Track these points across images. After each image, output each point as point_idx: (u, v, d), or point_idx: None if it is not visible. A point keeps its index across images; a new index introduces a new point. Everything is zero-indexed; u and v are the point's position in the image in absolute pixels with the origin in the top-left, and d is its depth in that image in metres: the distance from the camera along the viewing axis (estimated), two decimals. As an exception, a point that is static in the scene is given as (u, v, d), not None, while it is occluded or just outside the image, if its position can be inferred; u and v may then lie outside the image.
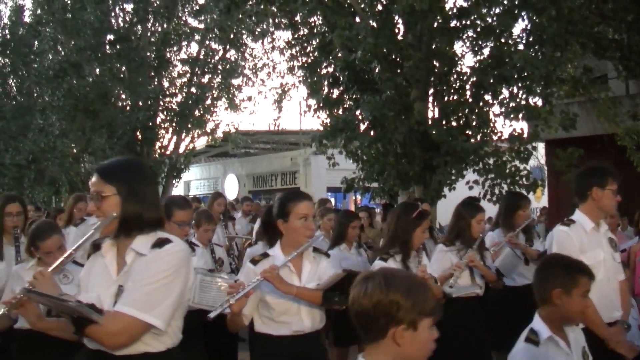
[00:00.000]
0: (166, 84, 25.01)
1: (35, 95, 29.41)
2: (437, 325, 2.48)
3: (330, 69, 12.98)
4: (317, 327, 4.47)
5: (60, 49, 25.15)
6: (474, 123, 11.33)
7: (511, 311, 6.71)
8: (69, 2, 23.78)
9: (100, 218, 3.12)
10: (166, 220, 5.46)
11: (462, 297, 6.03)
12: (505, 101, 11.07)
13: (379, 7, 11.58)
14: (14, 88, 33.64)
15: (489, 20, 11.05)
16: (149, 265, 3.01)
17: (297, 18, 13.00)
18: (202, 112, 25.06)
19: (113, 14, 24.39)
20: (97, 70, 23.71)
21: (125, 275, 3.05)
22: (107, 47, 23.66)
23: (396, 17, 11.45)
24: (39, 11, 27.27)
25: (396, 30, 11.47)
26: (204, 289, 4.94)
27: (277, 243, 4.57)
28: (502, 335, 6.67)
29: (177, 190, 26.92)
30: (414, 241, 5.41)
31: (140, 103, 23.30)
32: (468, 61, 18.58)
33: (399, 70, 11.32)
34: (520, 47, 11.21)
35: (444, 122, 11.35)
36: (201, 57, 25.03)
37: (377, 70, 11.31)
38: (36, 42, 28.65)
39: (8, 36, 32.81)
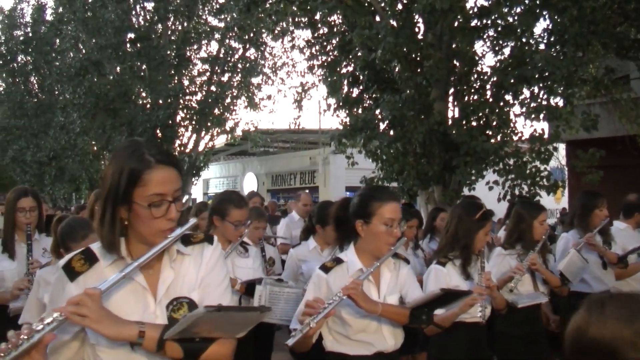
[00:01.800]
0: (186, 83, 25.16)
1: (57, 93, 29.72)
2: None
3: (350, 68, 12.97)
4: (398, 347, 3.92)
5: (82, 47, 25.38)
6: (494, 123, 11.26)
7: None
8: (90, 0, 23.96)
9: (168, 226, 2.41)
10: (219, 219, 5.10)
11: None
12: (526, 101, 11.00)
13: (399, 6, 11.55)
14: (36, 86, 34.02)
15: (510, 19, 10.98)
16: (216, 266, 2.58)
17: (317, 17, 12.98)
18: (221, 110, 25.18)
19: (134, 12, 24.57)
20: (118, 68, 23.91)
21: (175, 286, 2.47)
22: (128, 45, 23.84)
23: (416, 17, 11.40)
24: (60, 10, 27.51)
25: (416, 30, 11.43)
26: (272, 301, 4.54)
27: (350, 246, 3.93)
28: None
29: (196, 188, 27.04)
30: (476, 244, 4.82)
31: (161, 101, 23.44)
32: (489, 61, 18.54)
33: (419, 70, 11.28)
34: (542, 47, 11.14)
35: (464, 122, 11.29)
36: (221, 55, 25.15)
37: (397, 70, 11.29)
38: (57, 41, 28.96)
39: (30, 34, 33.16)
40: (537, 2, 10.65)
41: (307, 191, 11.50)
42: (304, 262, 5.98)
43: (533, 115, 10.79)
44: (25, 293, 4.84)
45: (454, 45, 11.29)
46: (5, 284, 5.24)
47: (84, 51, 24.88)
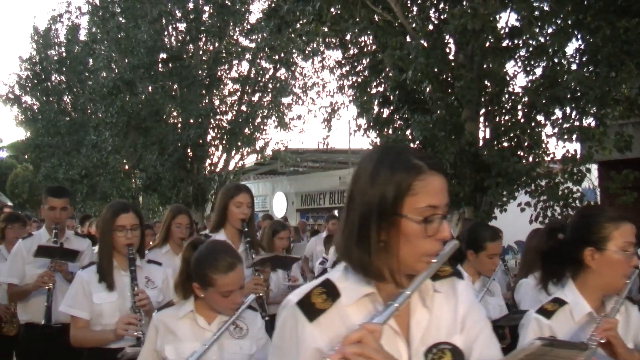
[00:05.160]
0: (217, 102, 25.33)
1: (89, 112, 30.04)
2: None
3: (381, 89, 12.98)
4: None
5: (114, 67, 25.66)
6: (526, 144, 11.18)
7: None
8: (123, 21, 24.30)
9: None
10: (473, 253, 4.83)
11: None
12: (558, 122, 10.92)
13: (430, 27, 11.56)
14: (69, 105, 34.49)
15: (542, 39, 10.93)
16: (475, 304, 2.10)
17: (348, 37, 13.03)
18: (252, 130, 25.28)
19: (166, 33, 24.82)
20: (150, 88, 24.12)
21: (430, 330, 1.98)
22: (160, 65, 24.07)
23: (447, 37, 11.40)
24: (94, 30, 27.92)
25: (447, 50, 11.42)
26: None
27: (568, 283, 3.07)
28: None
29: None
30: None
31: (192, 121, 23.59)
32: (520, 81, 18.43)
33: (450, 90, 11.25)
34: (574, 67, 11.06)
35: (495, 143, 11.23)
36: (252, 75, 25.27)
37: (428, 90, 11.26)
38: (91, 60, 29.35)
39: (64, 54, 33.66)
40: (569, 22, 10.59)
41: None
42: None
43: (565, 136, 10.71)
44: (132, 333, 4.08)
45: (485, 66, 11.26)
46: (104, 320, 4.28)
47: (116, 71, 25.15)
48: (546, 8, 10.54)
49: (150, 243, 6.86)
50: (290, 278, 6.34)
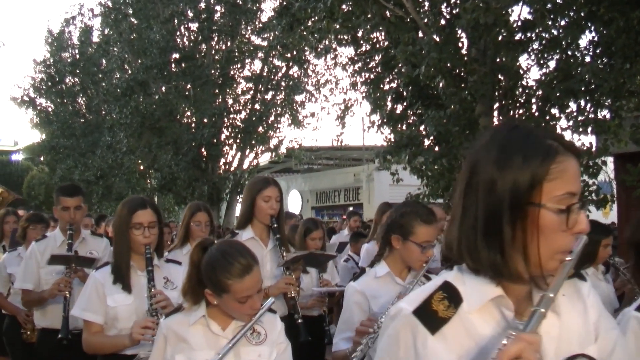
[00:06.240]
0: (230, 101, 25.40)
1: (104, 113, 30.25)
2: None
3: (394, 85, 12.95)
4: None
5: (128, 67, 25.81)
6: (541, 137, 11.11)
7: None
8: (135, 22, 24.41)
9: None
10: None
11: None
12: (572, 115, 10.86)
13: (442, 22, 11.51)
14: (83, 106, 34.68)
15: (555, 32, 10.86)
16: (603, 309, 1.79)
17: (360, 34, 13.01)
18: (265, 128, 25.35)
19: (178, 33, 24.92)
20: (163, 88, 24.22)
21: (562, 338, 1.65)
22: (173, 65, 24.18)
23: (460, 32, 11.35)
24: (107, 31, 28.04)
25: (460, 45, 11.37)
26: None
27: None
28: None
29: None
30: None
31: (205, 120, 23.68)
32: (534, 74, 18.27)
33: (463, 85, 11.21)
34: (588, 59, 10.99)
35: (510, 137, 11.17)
36: (264, 74, 25.31)
37: (441, 85, 11.23)
38: (104, 62, 29.52)
39: (77, 56, 33.86)
40: (582, 14, 10.51)
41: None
42: None
43: (580, 129, 10.64)
44: (148, 338, 3.64)
45: (498, 60, 11.20)
46: (119, 324, 3.91)
47: (130, 71, 25.30)
48: (559, 0, 10.47)
49: (168, 243, 6.55)
50: (322, 281, 5.74)
